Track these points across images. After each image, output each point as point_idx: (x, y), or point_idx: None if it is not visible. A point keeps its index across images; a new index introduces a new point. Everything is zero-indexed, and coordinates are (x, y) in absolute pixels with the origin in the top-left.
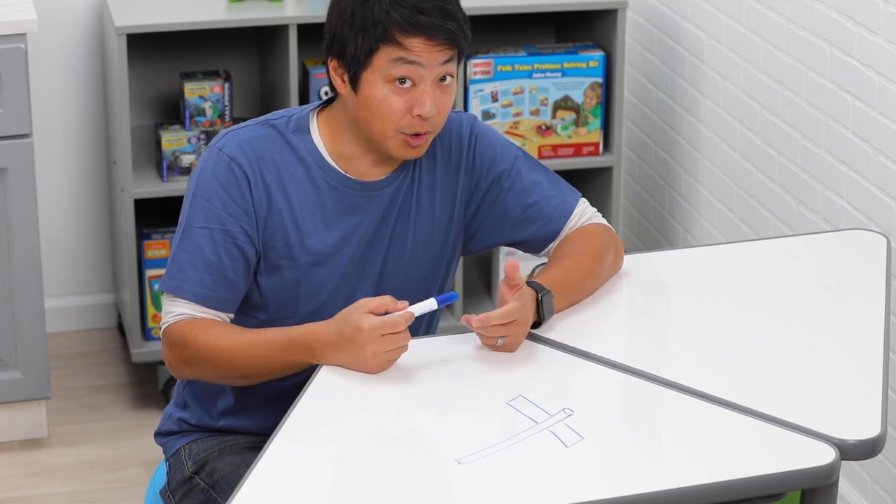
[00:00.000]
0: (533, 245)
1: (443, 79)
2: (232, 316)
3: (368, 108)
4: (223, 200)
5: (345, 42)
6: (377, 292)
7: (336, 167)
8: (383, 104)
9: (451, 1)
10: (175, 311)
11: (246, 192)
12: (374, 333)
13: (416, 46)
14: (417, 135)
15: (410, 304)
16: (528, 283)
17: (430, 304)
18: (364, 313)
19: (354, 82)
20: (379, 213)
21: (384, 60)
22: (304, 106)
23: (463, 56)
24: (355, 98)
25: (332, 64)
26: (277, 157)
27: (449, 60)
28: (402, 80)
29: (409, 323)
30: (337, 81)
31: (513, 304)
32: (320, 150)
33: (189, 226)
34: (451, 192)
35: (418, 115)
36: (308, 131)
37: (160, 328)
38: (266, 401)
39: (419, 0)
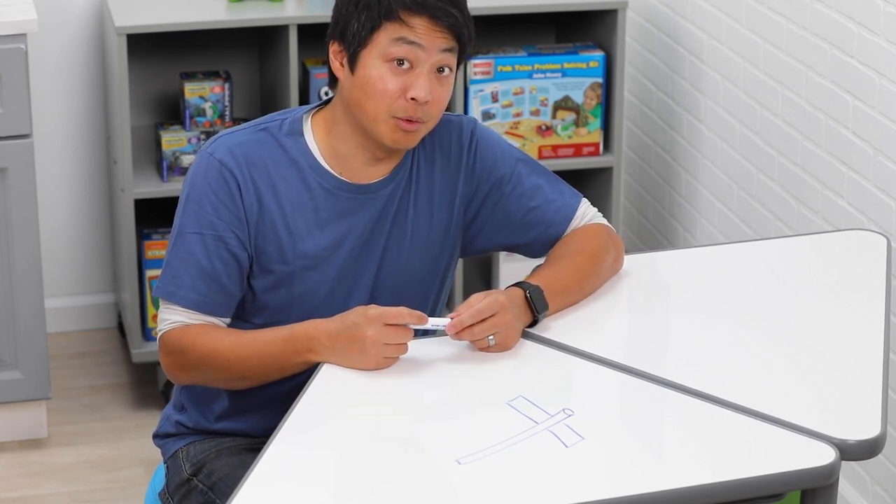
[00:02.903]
0: (534, 249)
1: (441, 70)
2: (228, 321)
3: (363, 89)
4: (214, 206)
5: (348, 20)
6: (373, 295)
7: (329, 170)
8: (378, 84)
9: None
10: (170, 318)
11: (236, 196)
12: (378, 320)
13: (419, 27)
14: (410, 121)
15: (410, 309)
16: (516, 284)
17: (444, 322)
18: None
19: (353, 62)
20: (374, 216)
21: (385, 39)
22: (298, 108)
23: (464, 54)
24: (352, 79)
25: (334, 47)
26: (269, 160)
27: (449, 50)
28: (400, 62)
29: (416, 323)
30: (335, 65)
31: (484, 302)
32: (314, 152)
33: (182, 231)
34: (450, 195)
35: (412, 99)
36: (301, 134)
37: (157, 334)
38: (262, 404)
39: None
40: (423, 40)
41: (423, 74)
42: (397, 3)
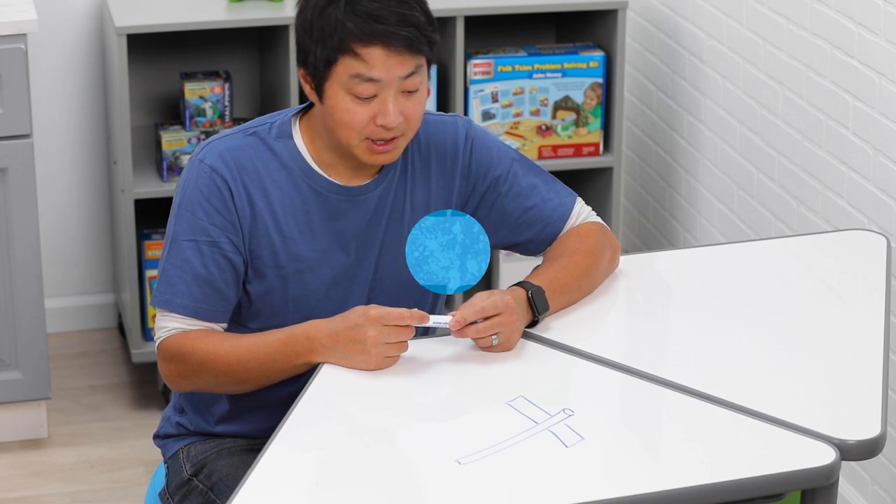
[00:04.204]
0: (531, 247)
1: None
2: (225, 326)
3: (333, 118)
4: (207, 212)
5: (307, 52)
6: (370, 297)
7: (320, 172)
8: (346, 114)
9: (411, 6)
10: (168, 325)
11: (229, 201)
12: (378, 321)
13: (374, 57)
14: (385, 141)
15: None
16: (518, 283)
17: (446, 319)
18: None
19: (319, 92)
20: (366, 217)
21: (344, 73)
22: (287, 110)
23: (431, 61)
24: (322, 107)
25: (301, 72)
26: (260, 164)
27: (411, 74)
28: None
29: (417, 322)
30: (306, 89)
31: (489, 300)
32: (304, 155)
33: (176, 239)
34: (447, 196)
35: (381, 125)
36: (291, 136)
37: (155, 342)
38: (262, 406)
39: (375, 8)
40: (380, 74)
41: (388, 100)
42: (348, 35)
